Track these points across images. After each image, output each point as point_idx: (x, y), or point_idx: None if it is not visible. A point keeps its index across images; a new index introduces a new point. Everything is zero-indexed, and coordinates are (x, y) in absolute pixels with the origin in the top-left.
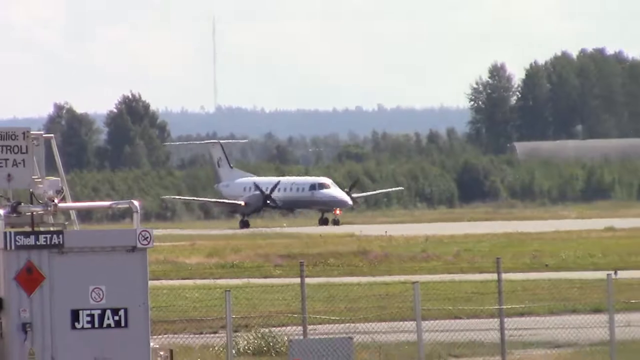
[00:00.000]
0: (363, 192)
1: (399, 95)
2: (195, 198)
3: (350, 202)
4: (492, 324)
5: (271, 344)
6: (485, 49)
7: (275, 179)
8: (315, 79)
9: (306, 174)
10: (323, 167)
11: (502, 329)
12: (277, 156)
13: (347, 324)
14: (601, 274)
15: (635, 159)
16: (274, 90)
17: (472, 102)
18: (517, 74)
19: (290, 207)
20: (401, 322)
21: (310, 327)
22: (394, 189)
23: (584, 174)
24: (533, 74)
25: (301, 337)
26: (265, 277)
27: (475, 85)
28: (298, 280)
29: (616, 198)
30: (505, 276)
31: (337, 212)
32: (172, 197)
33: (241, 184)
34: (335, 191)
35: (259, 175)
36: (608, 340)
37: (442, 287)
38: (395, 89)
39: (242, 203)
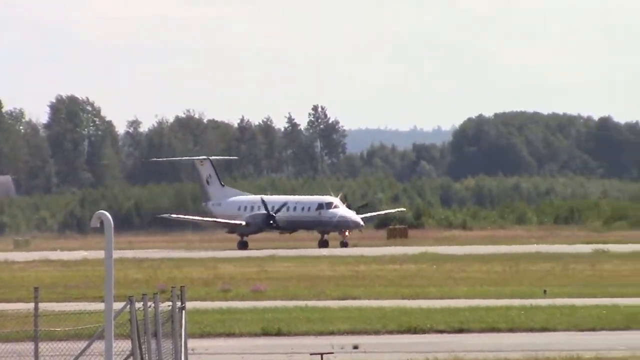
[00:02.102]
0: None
1: None
2: (191, 217)
3: (362, 223)
4: None
5: None
6: None
7: (282, 198)
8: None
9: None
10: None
11: None
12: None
13: None
14: None
15: None
16: None
17: None
18: None
19: (294, 228)
20: None
21: None
22: (396, 209)
23: None
24: None
25: None
26: None
27: None
28: None
29: None
30: None
31: (346, 233)
32: (168, 215)
33: (235, 202)
34: (345, 211)
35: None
36: None
37: None
38: None
39: (243, 223)
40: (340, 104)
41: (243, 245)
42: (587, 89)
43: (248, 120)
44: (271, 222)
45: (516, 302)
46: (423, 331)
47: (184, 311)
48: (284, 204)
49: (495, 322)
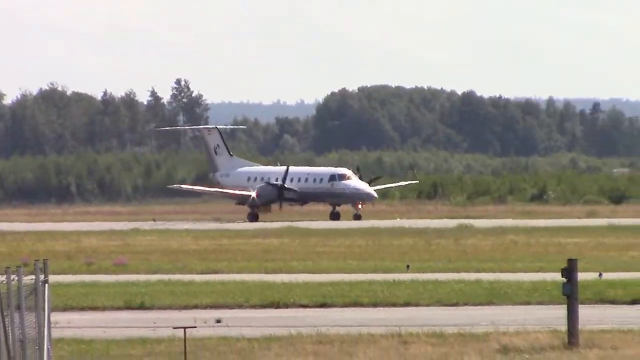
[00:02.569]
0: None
1: None
2: (201, 187)
3: (375, 195)
4: None
5: None
6: None
7: (291, 169)
8: None
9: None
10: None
11: None
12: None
13: None
14: None
15: None
16: None
17: None
18: None
19: (306, 199)
20: None
21: None
22: (409, 182)
23: None
24: None
25: None
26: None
27: None
28: None
29: None
30: None
31: (359, 206)
32: (178, 185)
33: (244, 173)
34: (358, 183)
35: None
36: None
37: None
38: None
39: (253, 194)
40: (203, 78)
41: (254, 218)
42: (451, 63)
43: (111, 93)
44: (283, 193)
45: (379, 277)
46: (286, 305)
47: (47, 284)
48: (286, 172)
49: (358, 296)
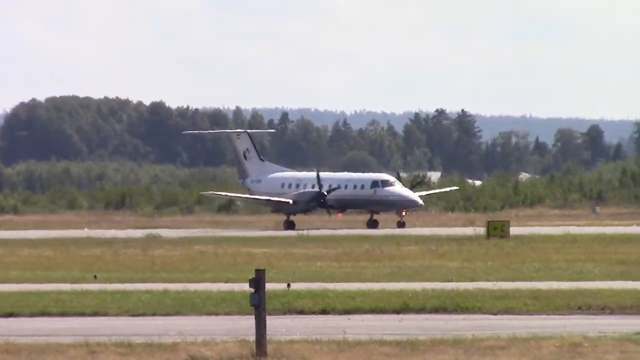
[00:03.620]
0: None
1: None
2: (236, 194)
3: (421, 202)
4: None
5: None
6: None
7: (332, 176)
8: None
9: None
10: None
11: None
12: None
13: None
14: None
15: None
16: None
17: None
18: None
19: (346, 207)
20: None
21: None
22: (449, 188)
23: None
24: None
25: None
26: None
27: None
28: None
29: None
30: None
31: (404, 213)
32: (212, 192)
33: (278, 179)
34: (402, 189)
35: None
36: None
37: None
38: None
39: (290, 201)
40: None
41: (290, 225)
42: (140, 74)
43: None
44: (322, 200)
45: (67, 286)
46: None
47: None
48: (337, 187)
49: (46, 306)
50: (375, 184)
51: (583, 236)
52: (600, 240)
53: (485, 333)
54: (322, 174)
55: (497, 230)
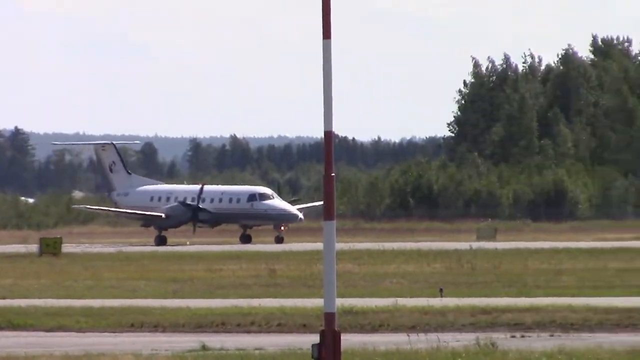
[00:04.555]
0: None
1: None
2: (105, 208)
3: (301, 216)
4: None
5: None
6: None
7: (196, 187)
8: None
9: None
10: None
11: None
12: None
13: None
14: None
15: None
16: None
17: None
18: None
19: (223, 221)
20: None
21: None
22: (316, 203)
23: None
24: None
25: None
26: None
27: None
28: None
29: None
30: None
31: (282, 228)
32: (82, 206)
33: (146, 192)
34: (281, 203)
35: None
36: None
37: None
38: None
39: (163, 215)
40: None
41: (161, 241)
42: None
43: None
44: (196, 214)
45: None
46: None
47: None
48: (201, 191)
49: None
50: (252, 197)
51: (136, 254)
52: (152, 258)
53: (37, 350)
54: (186, 187)
55: (49, 247)
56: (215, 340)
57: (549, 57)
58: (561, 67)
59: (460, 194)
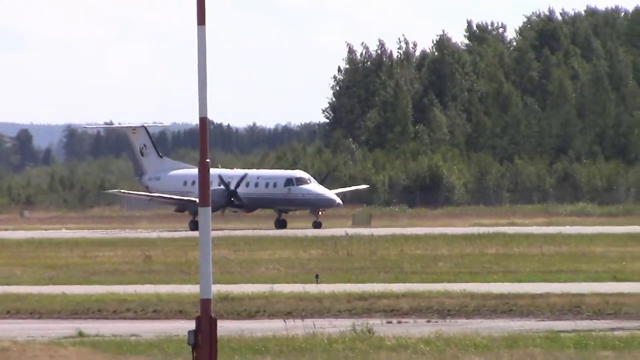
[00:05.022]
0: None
1: None
2: (138, 192)
3: (339, 200)
4: None
5: None
6: None
7: (240, 172)
8: None
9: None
10: None
11: None
12: None
13: None
14: None
15: None
16: None
17: None
18: None
19: (258, 206)
20: None
21: None
22: (360, 186)
23: None
24: None
25: None
26: None
27: None
28: None
29: None
30: None
31: (320, 213)
32: (118, 190)
33: (179, 176)
34: (318, 187)
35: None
36: None
37: None
38: None
39: (197, 200)
40: None
41: (196, 226)
42: None
43: None
44: (232, 199)
45: None
46: None
47: None
48: (243, 177)
49: None
50: (289, 181)
51: (11, 241)
52: (28, 244)
53: None
54: (230, 172)
55: None
56: (91, 327)
57: (424, 43)
58: (436, 53)
59: (335, 179)
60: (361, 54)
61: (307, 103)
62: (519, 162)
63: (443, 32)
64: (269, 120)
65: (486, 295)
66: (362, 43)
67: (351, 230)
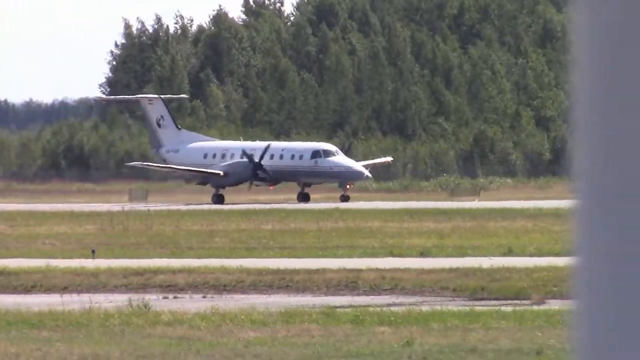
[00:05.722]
0: None
1: None
2: (158, 165)
3: (367, 173)
4: None
5: None
6: None
7: (262, 144)
8: None
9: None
10: None
11: None
12: None
13: None
14: None
15: None
16: None
17: None
18: None
19: (284, 179)
20: None
21: None
22: (382, 159)
23: None
24: None
25: None
26: None
27: None
28: None
29: None
30: None
31: (348, 186)
32: (139, 163)
33: (199, 149)
34: (346, 160)
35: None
36: None
37: None
38: None
39: (221, 173)
40: None
41: (219, 199)
42: None
43: None
44: (257, 172)
45: None
46: None
47: None
48: (266, 149)
49: None
50: (316, 153)
51: None
52: None
53: None
54: (252, 144)
55: None
56: None
57: (202, 18)
58: (212, 28)
59: (112, 155)
60: (137, 28)
61: (85, 77)
62: (295, 138)
63: (220, 7)
64: (45, 95)
65: (262, 271)
66: (138, 18)
67: (127, 206)
